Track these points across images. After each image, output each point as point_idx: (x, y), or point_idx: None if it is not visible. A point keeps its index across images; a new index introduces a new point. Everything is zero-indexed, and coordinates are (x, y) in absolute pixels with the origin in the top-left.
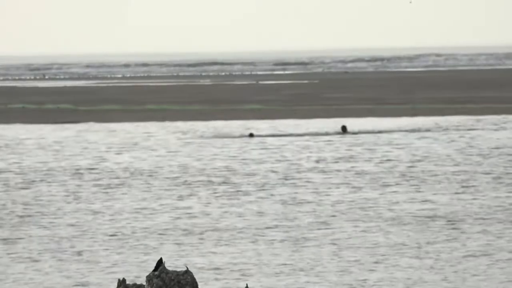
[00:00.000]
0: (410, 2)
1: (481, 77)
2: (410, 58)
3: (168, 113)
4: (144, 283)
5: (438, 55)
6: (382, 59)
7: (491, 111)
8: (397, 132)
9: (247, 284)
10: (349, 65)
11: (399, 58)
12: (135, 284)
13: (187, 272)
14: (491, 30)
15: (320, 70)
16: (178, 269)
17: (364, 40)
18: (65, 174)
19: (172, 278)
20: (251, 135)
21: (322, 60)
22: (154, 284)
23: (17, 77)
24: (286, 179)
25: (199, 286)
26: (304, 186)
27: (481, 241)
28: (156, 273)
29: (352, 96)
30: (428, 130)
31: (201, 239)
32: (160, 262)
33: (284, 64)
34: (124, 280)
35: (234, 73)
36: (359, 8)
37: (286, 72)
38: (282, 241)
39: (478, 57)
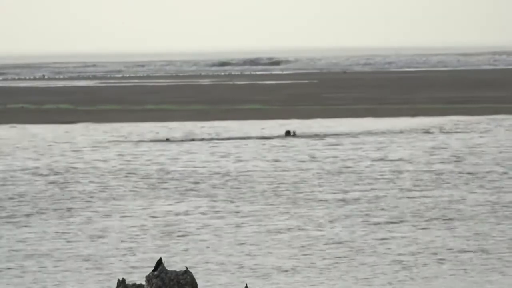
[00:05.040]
0: None
1: (481, 77)
2: (410, 58)
3: (168, 113)
4: (144, 283)
5: (439, 55)
6: (381, 59)
7: (490, 111)
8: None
9: (246, 284)
10: (348, 64)
11: (399, 58)
12: (134, 284)
13: (187, 272)
14: (491, 30)
15: (319, 69)
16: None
17: (364, 40)
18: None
19: (172, 278)
20: (167, 139)
21: (321, 59)
22: (154, 284)
23: (16, 77)
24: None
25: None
26: (238, 186)
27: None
28: (156, 273)
29: (351, 96)
30: (428, 131)
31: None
32: (159, 262)
33: (282, 63)
34: (123, 280)
35: (233, 73)
36: (359, 7)
37: (285, 72)
38: (218, 236)
39: (478, 57)
